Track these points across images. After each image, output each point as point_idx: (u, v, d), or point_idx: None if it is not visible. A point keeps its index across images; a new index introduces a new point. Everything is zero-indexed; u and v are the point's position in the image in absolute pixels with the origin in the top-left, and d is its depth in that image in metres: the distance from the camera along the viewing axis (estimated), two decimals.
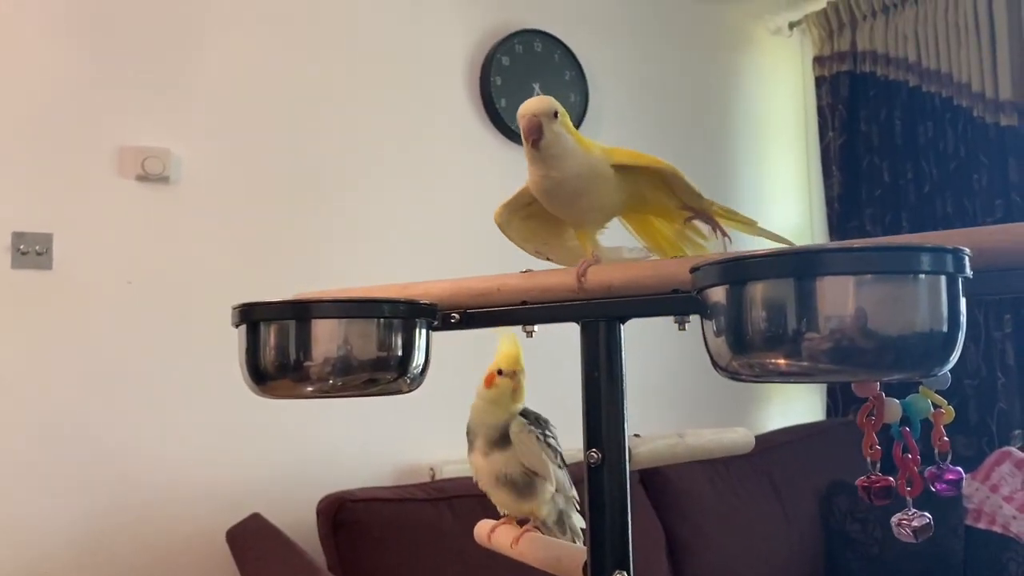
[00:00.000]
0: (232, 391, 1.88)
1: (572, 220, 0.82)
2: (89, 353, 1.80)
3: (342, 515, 1.71)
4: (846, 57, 2.79)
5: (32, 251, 1.76)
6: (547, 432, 0.90)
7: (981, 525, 2.16)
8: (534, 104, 0.76)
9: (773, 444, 2.38)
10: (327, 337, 0.65)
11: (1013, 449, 2.25)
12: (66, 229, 1.79)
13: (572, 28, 2.47)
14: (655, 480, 2.14)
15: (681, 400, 2.55)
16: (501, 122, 2.33)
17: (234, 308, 0.69)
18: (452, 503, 1.82)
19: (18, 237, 1.75)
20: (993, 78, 2.42)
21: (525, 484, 0.89)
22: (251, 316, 0.67)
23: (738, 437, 0.85)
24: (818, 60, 2.88)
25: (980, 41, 2.45)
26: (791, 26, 2.96)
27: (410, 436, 2.11)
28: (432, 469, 2.07)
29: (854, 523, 2.26)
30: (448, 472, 2.03)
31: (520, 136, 2.50)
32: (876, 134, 2.73)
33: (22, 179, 1.77)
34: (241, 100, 2.00)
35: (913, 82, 2.62)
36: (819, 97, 2.87)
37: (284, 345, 0.66)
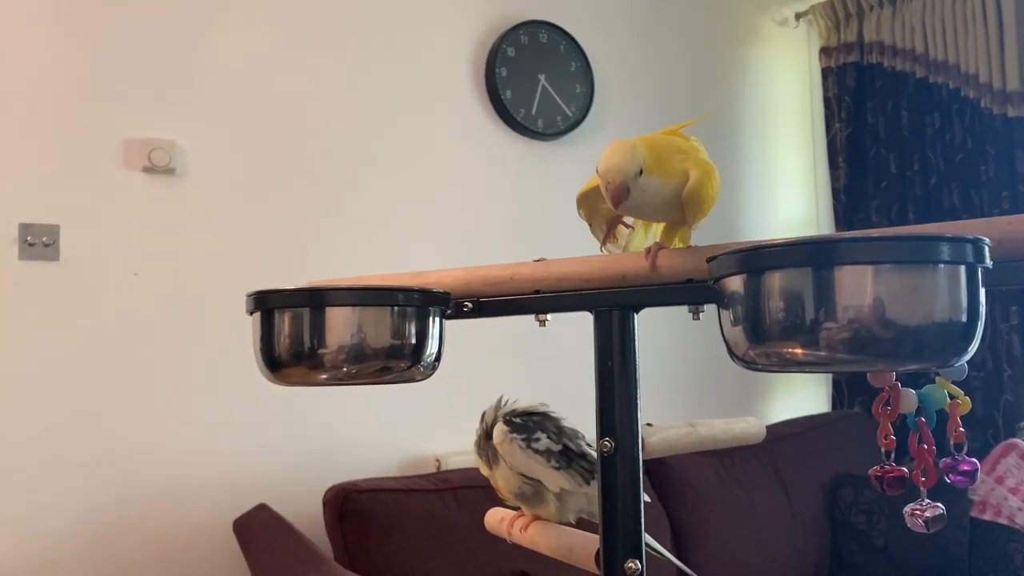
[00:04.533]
0: (239, 382, 1.89)
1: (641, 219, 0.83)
2: (96, 345, 1.80)
3: (348, 505, 1.72)
4: (853, 48, 2.78)
5: (39, 242, 1.75)
6: (534, 436, 0.86)
7: (986, 517, 2.16)
8: (616, 169, 0.69)
9: (779, 436, 2.38)
10: (341, 325, 0.65)
11: (1019, 441, 2.25)
12: (73, 221, 1.79)
13: (577, 19, 2.46)
14: (660, 470, 2.15)
15: (685, 392, 2.55)
16: (506, 113, 2.32)
17: (248, 295, 0.69)
18: (458, 494, 1.83)
19: (25, 228, 1.75)
20: (1001, 69, 2.42)
21: (533, 493, 0.87)
22: (266, 303, 0.67)
23: (749, 427, 0.85)
24: (824, 51, 2.87)
25: (988, 32, 2.44)
26: (797, 17, 2.95)
27: (416, 427, 2.12)
28: (438, 460, 2.07)
29: (859, 515, 2.26)
30: (454, 463, 2.04)
31: (528, 129, 2.47)
32: (883, 125, 2.72)
33: (29, 171, 1.77)
34: (247, 92, 2.00)
35: (920, 73, 2.61)
36: (825, 88, 2.86)
37: (299, 332, 0.66)
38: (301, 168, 2.05)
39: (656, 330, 2.14)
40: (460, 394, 2.12)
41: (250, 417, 1.92)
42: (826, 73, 2.86)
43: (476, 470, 1.92)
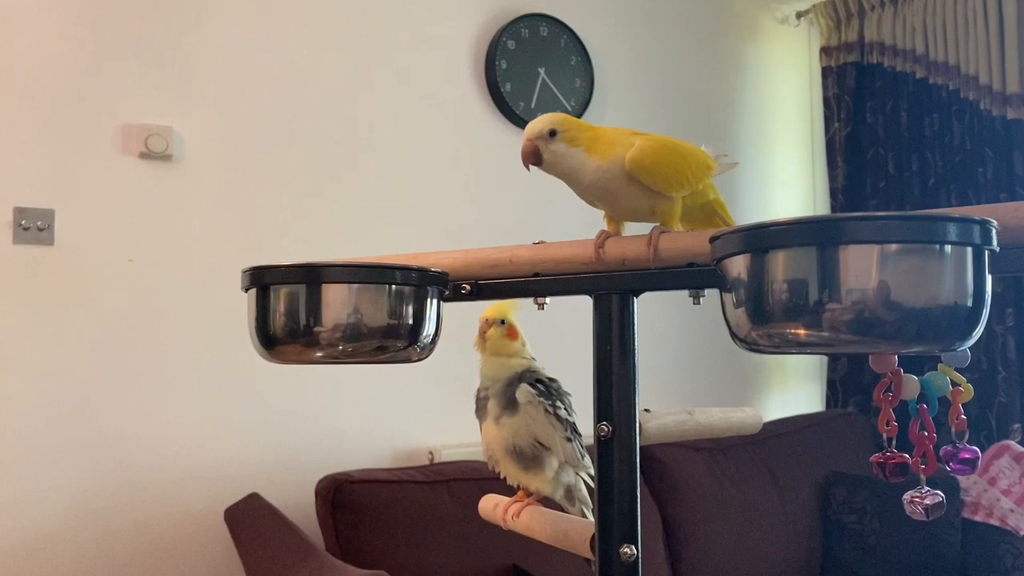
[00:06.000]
0: (232, 371, 1.88)
1: (609, 213, 0.80)
2: (89, 330, 1.79)
3: (340, 496, 1.71)
4: (853, 48, 2.78)
5: (34, 227, 1.74)
6: (557, 404, 0.88)
7: (979, 518, 2.16)
8: (530, 128, 0.74)
9: (772, 434, 2.38)
10: (338, 302, 0.64)
11: (1011, 442, 2.25)
12: (68, 205, 1.78)
13: (578, 13, 2.45)
14: (653, 466, 2.14)
15: (679, 384, 2.55)
16: (506, 106, 2.31)
17: (244, 271, 0.68)
18: (450, 486, 1.82)
19: (20, 212, 1.73)
20: (1001, 71, 2.41)
21: (533, 457, 0.87)
22: (261, 280, 0.66)
23: (747, 417, 0.85)
24: (825, 50, 2.87)
25: (988, 34, 2.44)
26: (798, 16, 2.95)
27: (410, 419, 2.11)
28: (431, 452, 2.07)
29: (851, 514, 2.26)
30: (447, 455, 2.03)
31: (527, 122, 2.49)
32: (882, 125, 2.72)
33: (25, 154, 1.75)
34: (244, 78, 1.99)
35: (920, 74, 2.61)
36: (825, 88, 2.85)
37: (294, 309, 0.65)
38: (298, 157, 2.04)
39: (654, 317, 2.14)
40: (455, 387, 2.11)
41: (244, 406, 1.91)
42: (826, 72, 2.85)
43: (469, 463, 1.92)
